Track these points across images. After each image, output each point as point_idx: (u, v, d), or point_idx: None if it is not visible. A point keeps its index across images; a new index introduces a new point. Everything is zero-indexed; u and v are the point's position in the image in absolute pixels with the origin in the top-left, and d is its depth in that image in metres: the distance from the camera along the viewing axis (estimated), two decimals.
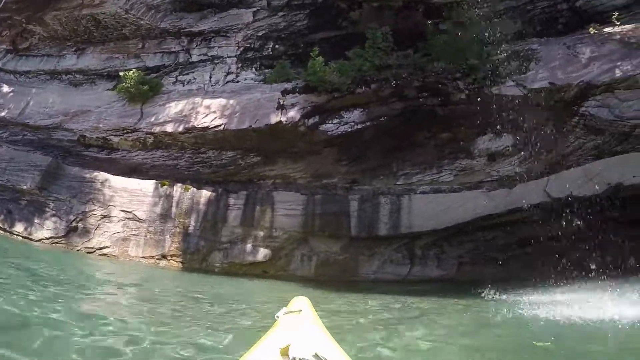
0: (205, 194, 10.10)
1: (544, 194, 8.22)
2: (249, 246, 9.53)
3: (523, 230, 8.16)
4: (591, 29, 9.13)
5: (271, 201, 9.41)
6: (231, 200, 9.72)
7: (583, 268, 7.33)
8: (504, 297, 6.77)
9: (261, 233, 9.38)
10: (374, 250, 8.99)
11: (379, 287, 8.76)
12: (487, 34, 8.62)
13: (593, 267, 7.27)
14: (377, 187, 8.95)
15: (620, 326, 4.54)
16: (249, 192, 9.70)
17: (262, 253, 9.42)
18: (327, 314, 5.10)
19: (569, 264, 7.61)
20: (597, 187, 8.33)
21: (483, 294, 6.97)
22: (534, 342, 3.87)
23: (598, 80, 8.58)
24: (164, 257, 10.59)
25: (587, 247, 7.87)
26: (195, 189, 10.28)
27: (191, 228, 10.20)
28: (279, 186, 9.64)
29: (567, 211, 7.99)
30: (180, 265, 10.26)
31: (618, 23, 9.13)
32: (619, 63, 8.69)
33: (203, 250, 10.07)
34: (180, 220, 10.41)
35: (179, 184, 10.53)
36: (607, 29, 9.11)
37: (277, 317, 2.03)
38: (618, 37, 9.00)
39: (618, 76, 8.61)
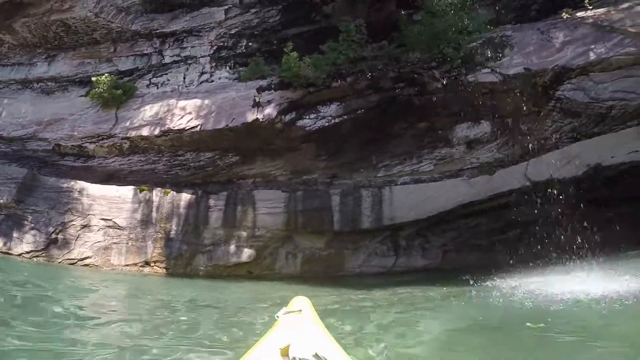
0: (185, 197, 9.86)
1: (524, 178, 8.19)
2: (232, 247, 9.33)
3: (505, 216, 8.13)
4: (564, 13, 9.15)
5: (252, 200, 9.22)
6: (211, 202, 9.51)
7: (567, 249, 7.38)
8: (490, 282, 6.75)
9: (244, 233, 9.19)
10: (358, 243, 8.88)
11: (365, 280, 8.69)
12: (460, 23, 8.57)
13: (576, 248, 7.34)
14: (358, 180, 8.83)
15: (600, 301, 4.57)
16: (229, 192, 9.48)
17: (247, 253, 9.24)
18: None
19: (552, 246, 7.65)
20: (576, 169, 8.37)
21: (470, 281, 6.93)
22: (528, 324, 3.84)
23: (573, 63, 8.58)
24: (147, 263, 10.34)
25: (569, 229, 7.95)
26: (174, 193, 10.03)
27: (173, 232, 9.96)
28: (259, 185, 9.46)
29: (548, 194, 8.03)
30: (164, 271, 10.02)
31: (590, 7, 9.16)
32: (592, 46, 8.71)
33: (186, 255, 9.84)
34: (162, 225, 10.16)
35: (158, 189, 10.27)
36: (580, 14, 9.14)
37: (277, 317, 2.01)
38: (591, 20, 9.03)
39: (592, 59, 8.62)
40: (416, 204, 8.32)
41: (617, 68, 8.67)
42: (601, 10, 9.15)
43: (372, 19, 9.09)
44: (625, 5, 9.15)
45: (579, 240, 7.35)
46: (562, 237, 7.85)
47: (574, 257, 7.23)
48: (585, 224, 7.49)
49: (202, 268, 9.73)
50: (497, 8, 9.02)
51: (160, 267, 10.24)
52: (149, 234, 10.25)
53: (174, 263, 9.90)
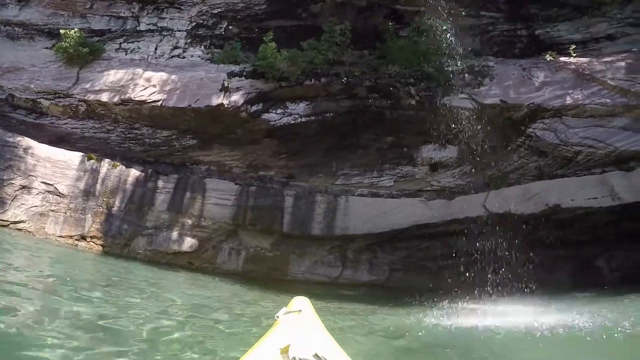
0: (134, 173, 9.12)
1: (483, 208, 7.98)
2: (175, 234, 8.69)
3: (459, 243, 7.92)
4: (548, 55, 9.15)
5: (203, 188, 8.60)
6: (160, 183, 8.82)
7: (514, 283, 7.31)
8: (432, 306, 6.58)
9: (189, 221, 8.56)
10: (305, 249, 8.41)
11: (308, 288, 8.27)
12: (445, 46, 8.36)
13: (522, 283, 7.27)
14: (315, 184, 8.37)
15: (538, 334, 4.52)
16: (180, 176, 8.82)
17: (189, 243, 8.61)
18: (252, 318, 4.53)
19: (501, 278, 7.54)
20: (535, 206, 8.28)
21: (412, 302, 6.74)
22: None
23: (548, 104, 8.52)
24: (83, 238, 9.53)
25: (517, 263, 7.87)
26: (123, 167, 9.27)
27: (115, 209, 9.21)
28: (213, 173, 8.83)
29: (504, 227, 7.90)
30: (100, 248, 9.27)
31: (574, 55, 9.20)
32: (570, 91, 8.72)
33: (126, 235, 9.11)
34: (105, 199, 9.39)
35: (107, 160, 9.47)
36: (563, 58, 9.18)
37: (277, 317, 1.97)
38: (573, 67, 9.06)
39: (568, 103, 8.61)
40: (371, 217, 7.95)
41: (590, 116, 8.69)
42: (584, 59, 9.22)
43: (358, 26, 8.70)
44: (608, 59, 9.23)
45: (525, 275, 7.32)
46: (509, 270, 7.77)
47: (517, 290, 7.18)
48: (533, 260, 7.48)
49: (140, 251, 9.02)
50: (482, 40, 8.88)
51: (96, 244, 9.46)
52: (89, 206, 9.46)
53: (112, 241, 9.16)
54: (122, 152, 9.48)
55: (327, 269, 8.51)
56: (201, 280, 7.52)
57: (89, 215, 9.47)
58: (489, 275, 7.75)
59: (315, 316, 2.14)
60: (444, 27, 8.23)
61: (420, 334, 4.76)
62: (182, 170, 9.00)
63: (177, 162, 9.10)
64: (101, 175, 9.54)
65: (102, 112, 9.84)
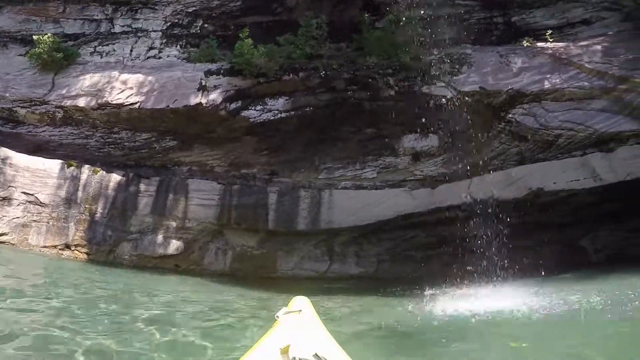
0: (115, 178, 8.95)
1: (466, 195, 8.01)
2: (160, 237, 8.55)
3: (444, 231, 7.93)
4: (525, 41, 9.19)
5: (185, 189, 8.47)
6: (142, 187, 8.67)
7: (500, 268, 7.36)
8: (421, 295, 6.60)
9: (173, 224, 8.43)
10: (292, 245, 8.34)
11: (298, 283, 8.23)
12: (422, 35, 8.35)
13: (506, 267, 7.33)
14: (298, 180, 8.28)
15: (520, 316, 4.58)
16: (162, 178, 8.66)
17: (174, 245, 8.49)
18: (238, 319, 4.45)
19: (487, 264, 7.60)
20: (518, 191, 8.32)
21: (401, 293, 6.75)
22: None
23: (527, 89, 8.53)
24: (67, 247, 9.35)
25: (502, 249, 7.93)
26: (104, 172, 9.09)
27: (98, 215, 9.03)
28: (195, 174, 8.70)
29: (488, 213, 7.95)
30: (85, 256, 9.09)
31: (551, 40, 9.24)
32: (548, 75, 8.74)
33: (110, 241, 8.95)
34: (87, 206, 9.21)
35: (87, 166, 9.29)
36: (540, 44, 9.21)
37: (277, 317, 1.97)
38: (550, 52, 9.10)
39: (547, 87, 8.64)
40: (355, 210, 7.90)
41: (569, 99, 8.74)
42: (561, 44, 9.28)
43: (334, 19, 8.61)
44: (584, 43, 9.30)
45: (510, 260, 7.38)
46: (495, 256, 7.83)
47: (503, 275, 7.23)
48: (517, 244, 7.54)
49: (126, 257, 8.87)
50: (459, 28, 8.88)
51: (81, 252, 9.28)
52: (72, 214, 9.27)
53: (97, 249, 8.99)
54: (102, 157, 9.30)
55: (315, 264, 8.46)
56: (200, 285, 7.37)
57: (72, 224, 9.29)
58: (475, 262, 7.81)
59: (316, 316, 2.15)
60: (420, 17, 8.20)
61: (413, 323, 4.75)
62: (164, 172, 8.85)
63: (158, 164, 8.94)
64: (82, 181, 9.35)
65: (80, 117, 9.63)
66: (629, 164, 8.52)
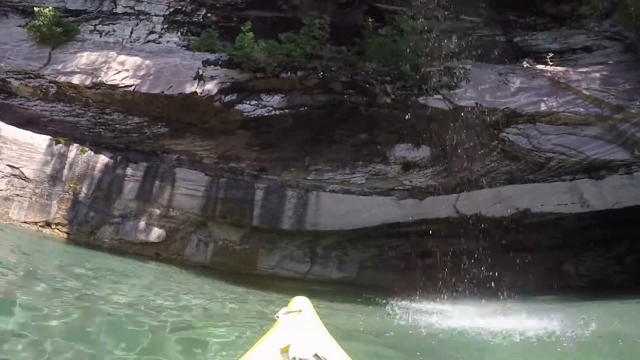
0: (103, 159, 8.78)
1: (453, 209, 7.94)
2: (142, 224, 8.39)
3: (428, 243, 7.88)
4: (525, 62, 9.18)
5: (172, 177, 8.32)
6: (129, 171, 8.51)
7: (482, 285, 7.30)
8: (400, 305, 6.53)
9: (157, 211, 8.28)
10: (275, 244, 8.23)
11: (278, 283, 8.11)
12: (423, 46, 8.29)
13: (490, 286, 7.27)
14: (286, 178, 8.18)
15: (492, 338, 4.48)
16: (150, 164, 8.50)
17: (156, 233, 8.34)
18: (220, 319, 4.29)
19: (470, 280, 7.54)
20: (506, 210, 8.29)
21: (381, 301, 6.67)
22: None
23: (523, 109, 8.52)
24: (48, 224, 9.15)
25: (486, 266, 7.88)
26: (92, 153, 8.91)
27: (82, 195, 8.85)
28: (184, 163, 8.55)
29: (474, 229, 7.90)
30: (65, 236, 8.91)
31: (551, 63, 9.25)
32: (545, 98, 8.75)
33: (92, 222, 8.78)
34: (72, 185, 9.02)
35: (76, 145, 9.09)
36: (540, 66, 9.23)
37: (277, 317, 1.98)
38: (549, 75, 9.12)
39: (543, 109, 8.65)
40: (342, 214, 7.82)
41: (563, 124, 8.74)
42: (560, 68, 9.30)
43: (337, 21, 8.52)
44: (584, 69, 9.31)
45: (494, 278, 7.32)
46: (478, 272, 7.77)
47: (485, 293, 7.17)
48: (500, 263, 7.49)
49: (107, 240, 8.69)
50: (460, 43, 8.85)
51: (61, 231, 9.09)
52: (56, 192, 9.08)
53: (77, 229, 8.81)
54: (91, 137, 9.12)
55: (296, 265, 8.36)
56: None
57: (55, 202, 9.09)
58: (457, 276, 7.75)
59: (315, 316, 2.14)
60: (424, 28, 8.14)
61: (388, 334, 4.67)
62: (152, 158, 8.70)
63: (148, 150, 8.79)
64: (69, 160, 9.16)
65: (73, 95, 9.44)
66: (618, 192, 8.55)
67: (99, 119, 9.15)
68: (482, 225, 7.84)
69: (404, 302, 6.56)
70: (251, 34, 8.16)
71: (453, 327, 5.07)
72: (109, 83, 8.93)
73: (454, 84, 8.09)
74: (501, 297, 6.93)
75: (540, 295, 7.91)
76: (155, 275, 7.00)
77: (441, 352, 4.14)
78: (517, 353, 4.20)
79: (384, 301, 6.58)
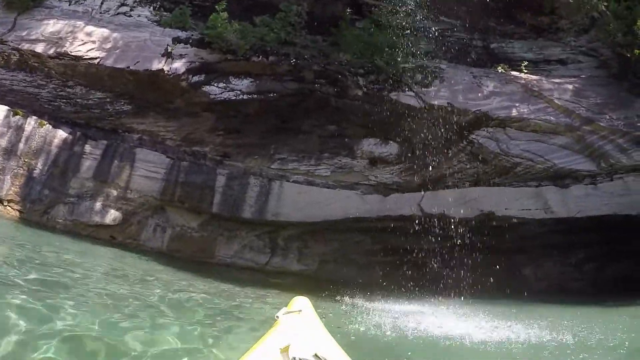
0: (61, 134, 8.13)
1: (417, 207, 7.68)
2: (98, 205, 7.81)
3: (390, 240, 7.61)
4: (500, 67, 8.98)
5: (132, 158, 7.76)
6: (88, 148, 7.90)
7: (440, 285, 7.11)
8: (357, 301, 6.26)
9: (114, 192, 7.72)
10: (234, 232, 7.80)
11: (236, 273, 7.70)
12: (400, 42, 7.98)
13: (447, 285, 7.09)
14: (250, 166, 7.73)
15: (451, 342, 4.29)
16: (109, 142, 7.91)
17: (112, 215, 7.78)
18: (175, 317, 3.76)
19: (428, 279, 7.34)
20: (470, 211, 8.11)
21: (338, 297, 6.35)
22: None
23: (494, 113, 8.32)
24: (0, 201, 8.48)
25: (447, 266, 7.69)
26: (51, 127, 8.24)
27: (37, 172, 8.19)
28: (145, 143, 7.97)
29: (437, 229, 7.69)
30: (17, 214, 8.24)
31: (525, 71, 9.09)
32: (517, 104, 8.57)
33: (46, 201, 8.13)
34: (27, 160, 8.33)
35: (34, 117, 8.41)
36: (514, 73, 9.07)
37: (277, 317, 1.95)
38: (523, 82, 8.96)
39: (514, 115, 8.49)
40: (304, 206, 7.44)
41: (533, 131, 8.62)
42: (534, 76, 9.15)
43: (315, 11, 8.08)
44: (557, 80, 9.22)
45: (451, 279, 7.15)
46: (437, 272, 7.57)
47: (445, 293, 6.98)
48: (461, 264, 7.32)
49: (60, 220, 8.05)
50: (437, 43, 8.59)
51: (13, 209, 8.41)
52: (9, 166, 8.38)
53: (31, 207, 8.15)
54: (51, 110, 8.43)
55: (256, 255, 7.95)
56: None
57: (8, 177, 8.39)
58: (418, 275, 7.53)
59: (315, 316, 2.12)
60: (402, 24, 7.82)
61: (347, 334, 4.34)
62: (113, 136, 8.09)
63: (109, 127, 8.17)
64: (26, 133, 8.46)
65: (35, 64, 8.71)
66: (582, 201, 8.50)
67: (61, 91, 8.47)
68: (446, 225, 7.66)
69: (363, 301, 6.32)
70: (225, 14, 7.65)
71: (412, 327, 4.87)
72: (73, 54, 8.26)
73: (427, 82, 7.79)
74: (462, 298, 6.79)
75: (499, 298, 7.77)
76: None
77: (399, 353, 3.98)
78: (474, 356, 4.01)
79: (344, 299, 6.30)
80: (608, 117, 8.74)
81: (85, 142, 8.01)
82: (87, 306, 3.41)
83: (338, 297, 6.39)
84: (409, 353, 4.01)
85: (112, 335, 2.78)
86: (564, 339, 4.39)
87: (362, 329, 4.60)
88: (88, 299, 3.73)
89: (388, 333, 4.50)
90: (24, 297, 3.03)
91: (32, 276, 3.95)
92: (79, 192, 7.92)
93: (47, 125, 8.35)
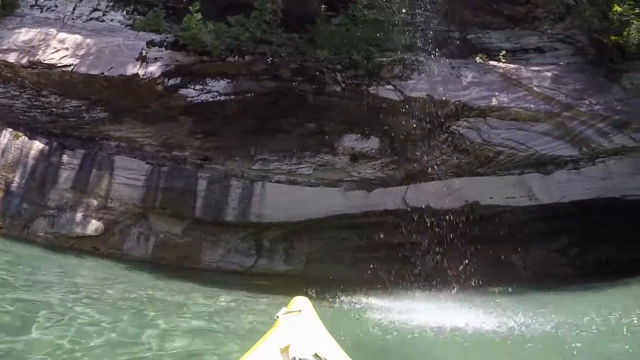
0: (38, 146, 7.85)
1: (402, 201, 7.56)
2: (79, 216, 7.56)
3: (376, 235, 7.49)
4: (478, 58, 8.88)
5: (111, 166, 7.52)
6: (65, 158, 7.64)
7: (428, 277, 7.02)
8: (347, 299, 6.12)
9: (95, 202, 7.47)
10: (218, 236, 7.61)
11: (223, 277, 7.50)
12: (377, 36, 7.83)
13: (438, 277, 7.00)
14: (231, 168, 7.54)
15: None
16: (87, 151, 7.66)
17: (94, 226, 7.53)
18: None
19: (417, 272, 7.25)
20: (455, 202, 8.03)
21: (330, 297, 6.21)
22: None
23: (474, 103, 8.20)
24: None
25: (434, 259, 7.60)
26: (27, 138, 7.95)
27: (15, 185, 7.89)
28: (123, 150, 7.74)
29: (422, 222, 7.59)
30: None
31: (504, 60, 9.01)
32: (497, 93, 8.46)
33: (26, 215, 7.84)
34: (3, 173, 8.02)
35: (10, 129, 8.12)
36: (493, 62, 8.97)
37: (277, 317, 1.93)
38: (501, 71, 8.86)
39: (494, 104, 8.38)
40: (288, 205, 7.28)
41: (513, 119, 8.53)
42: (513, 65, 9.07)
43: (291, 8, 7.89)
44: (536, 68, 9.15)
45: (439, 270, 7.06)
46: (425, 264, 7.49)
47: (434, 285, 6.89)
48: (449, 255, 7.24)
49: (41, 234, 7.75)
50: (415, 36, 8.44)
51: None
52: None
53: (10, 222, 7.84)
54: (26, 121, 8.14)
55: (242, 258, 7.76)
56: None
57: None
58: (406, 269, 7.43)
59: (315, 316, 2.12)
60: (378, 18, 7.67)
61: (337, 333, 4.23)
62: (91, 145, 7.83)
63: (86, 136, 7.91)
64: (1, 146, 8.15)
65: (8, 74, 8.40)
66: (565, 187, 8.46)
67: (35, 101, 8.17)
68: (431, 218, 7.56)
69: (352, 297, 6.20)
70: (199, 15, 7.43)
71: (402, 321, 4.77)
72: (46, 62, 7.96)
73: (405, 75, 7.65)
74: (451, 291, 6.71)
75: (489, 287, 7.71)
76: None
77: (391, 348, 3.93)
78: (467, 348, 3.94)
79: (333, 297, 6.16)
80: (587, 103, 8.70)
81: (62, 152, 7.74)
82: None
83: (326, 296, 6.25)
84: (402, 348, 3.93)
85: None
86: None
87: (352, 327, 4.50)
88: None
89: (379, 328, 4.41)
90: None
91: None
92: (58, 203, 7.65)
93: (23, 136, 8.05)
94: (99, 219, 7.50)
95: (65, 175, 7.62)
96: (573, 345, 3.72)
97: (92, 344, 2.94)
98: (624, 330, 4.21)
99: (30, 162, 7.86)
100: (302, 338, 1.68)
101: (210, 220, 7.45)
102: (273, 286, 7.24)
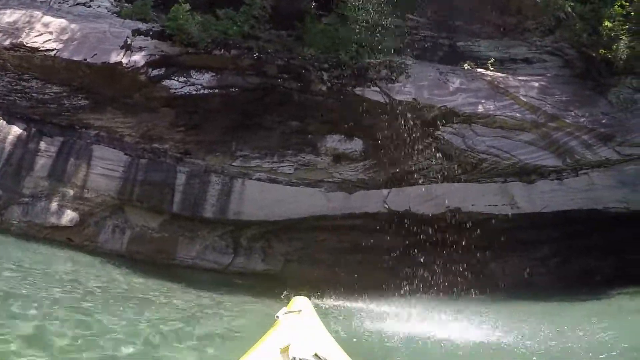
0: (15, 131, 7.47)
1: (383, 205, 7.36)
2: (54, 205, 7.20)
3: (356, 237, 7.28)
4: (466, 64, 8.70)
5: (89, 155, 7.18)
6: (43, 145, 7.28)
7: (406, 283, 6.84)
8: (327, 302, 5.98)
9: (71, 191, 7.12)
10: (195, 232, 7.33)
11: (198, 275, 7.20)
12: (366, 38, 7.63)
13: (416, 284, 6.83)
14: (211, 163, 7.25)
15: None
16: (65, 139, 7.30)
17: (69, 216, 7.19)
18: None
19: (394, 278, 7.05)
20: (436, 208, 7.86)
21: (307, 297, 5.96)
22: None
23: (460, 109, 8.04)
24: None
25: (414, 263, 7.41)
26: (4, 123, 7.56)
27: None
28: (102, 140, 7.39)
29: (403, 225, 7.42)
30: None
31: (492, 68, 8.86)
32: (483, 100, 8.32)
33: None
34: None
35: None
36: (481, 70, 8.84)
37: (277, 317, 1.92)
38: (489, 78, 8.72)
39: (480, 111, 8.24)
40: (267, 204, 7.02)
41: (499, 127, 8.40)
42: (500, 74, 8.94)
43: (281, 5, 7.65)
44: (523, 77, 9.04)
45: (420, 277, 6.89)
46: (403, 270, 7.30)
47: (411, 292, 6.71)
48: (427, 261, 7.08)
49: (14, 222, 7.37)
50: (404, 40, 8.26)
51: None
52: None
53: None
54: (5, 105, 7.76)
55: (218, 256, 7.49)
56: None
57: None
58: (384, 274, 7.24)
59: (315, 316, 2.11)
60: (368, 20, 7.46)
61: None
62: (69, 133, 7.48)
63: (65, 123, 7.55)
64: None
65: None
66: (547, 196, 8.33)
67: (16, 85, 7.80)
68: (412, 222, 7.39)
69: (329, 301, 6.00)
70: (187, 6, 7.15)
71: (379, 329, 4.63)
72: (29, 45, 7.60)
73: (392, 78, 7.45)
74: (428, 297, 6.55)
75: (467, 295, 7.54)
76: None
77: (368, 355, 3.74)
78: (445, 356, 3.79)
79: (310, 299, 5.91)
80: (573, 114, 8.60)
81: (40, 138, 7.39)
82: None
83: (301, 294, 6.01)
84: (378, 356, 3.76)
85: None
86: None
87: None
88: None
89: (353, 335, 4.21)
90: None
91: None
92: (33, 191, 7.29)
93: (1, 121, 7.66)
94: (74, 210, 7.17)
95: (42, 163, 7.27)
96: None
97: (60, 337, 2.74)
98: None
99: (7, 147, 7.48)
100: (302, 338, 1.65)
101: (188, 215, 7.17)
102: (249, 286, 7.01)
